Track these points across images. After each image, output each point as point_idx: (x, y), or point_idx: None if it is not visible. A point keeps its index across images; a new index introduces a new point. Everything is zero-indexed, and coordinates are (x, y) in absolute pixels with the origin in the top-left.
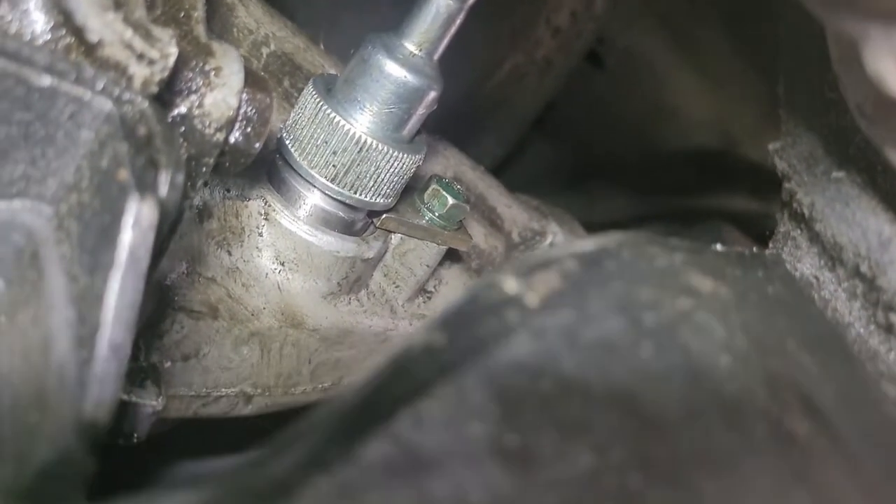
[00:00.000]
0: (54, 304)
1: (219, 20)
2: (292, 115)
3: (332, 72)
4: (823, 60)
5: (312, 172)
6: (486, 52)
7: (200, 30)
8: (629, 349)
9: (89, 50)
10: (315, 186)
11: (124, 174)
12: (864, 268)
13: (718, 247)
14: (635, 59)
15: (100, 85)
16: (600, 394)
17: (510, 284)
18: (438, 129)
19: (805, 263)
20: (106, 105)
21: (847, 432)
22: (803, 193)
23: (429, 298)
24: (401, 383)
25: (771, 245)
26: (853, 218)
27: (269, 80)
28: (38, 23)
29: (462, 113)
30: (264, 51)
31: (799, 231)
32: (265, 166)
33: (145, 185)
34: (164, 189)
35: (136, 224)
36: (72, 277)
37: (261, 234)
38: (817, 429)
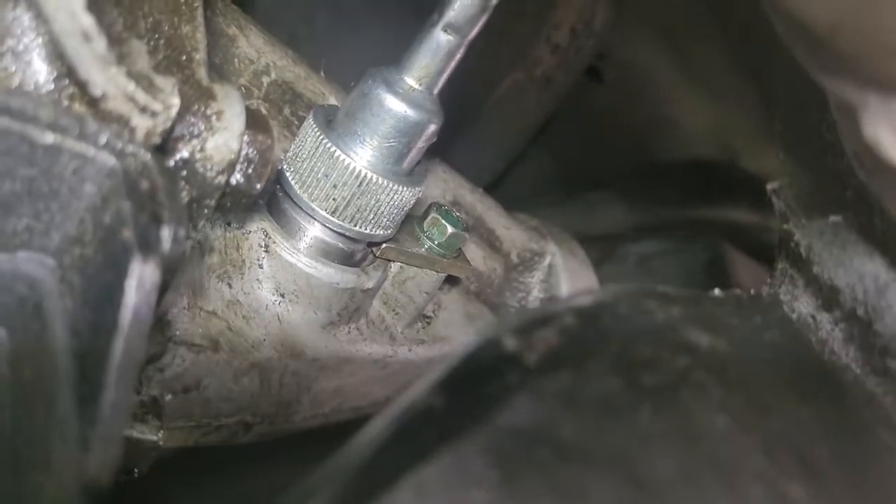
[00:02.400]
0: (58, 359)
1: (220, 51)
2: (293, 147)
3: (333, 100)
4: (822, 102)
5: (313, 205)
6: (486, 70)
7: (202, 73)
8: (627, 411)
9: (92, 102)
10: (315, 219)
11: (127, 233)
12: (860, 311)
13: (716, 292)
14: (634, 72)
15: (103, 140)
16: (598, 459)
17: (510, 342)
18: (439, 146)
19: (802, 303)
20: (109, 160)
21: (842, 493)
22: (801, 235)
23: (428, 324)
24: (402, 449)
25: (768, 282)
26: (850, 262)
27: (270, 108)
28: (42, 73)
29: (463, 129)
30: (265, 80)
31: (796, 271)
32: (265, 198)
33: (148, 245)
34: (167, 245)
35: (139, 286)
36: (74, 332)
37: (261, 267)
38: (813, 491)
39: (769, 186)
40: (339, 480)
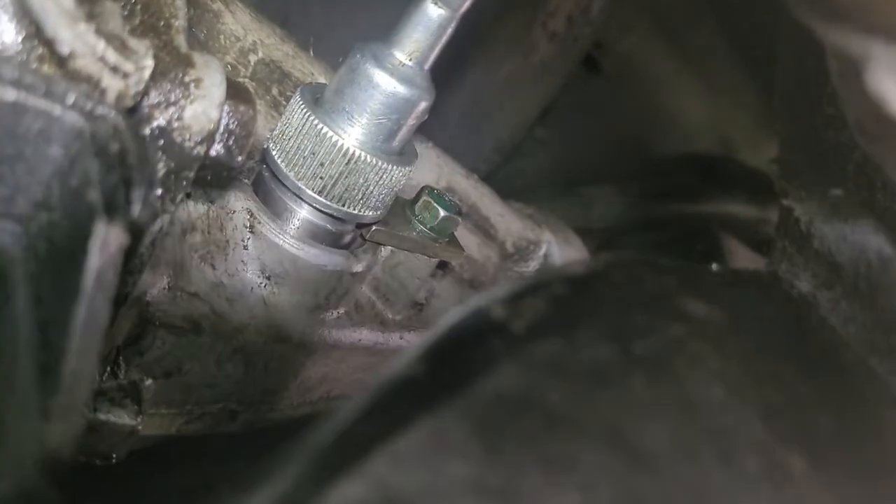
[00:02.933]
0: (19, 327)
1: (205, 27)
2: (279, 125)
3: (322, 79)
4: (821, 75)
5: (300, 184)
6: (481, 58)
7: (181, 40)
8: (619, 380)
9: (61, 62)
10: (302, 199)
11: (93, 194)
12: (863, 287)
13: (714, 266)
14: (632, 64)
15: (70, 99)
16: (588, 428)
17: (497, 310)
18: (434, 136)
19: (802, 281)
20: (77, 120)
21: (843, 466)
22: (801, 210)
23: (420, 311)
24: (378, 419)
25: (768, 260)
26: (852, 236)
27: (258, 87)
28: (8, 33)
29: (458, 118)
30: (252, 58)
31: (796, 248)
32: (251, 177)
33: (115, 207)
34: (136, 208)
35: (103, 249)
36: (38, 300)
37: (246, 248)
38: (813, 463)
39: (770, 161)
40: (313, 452)
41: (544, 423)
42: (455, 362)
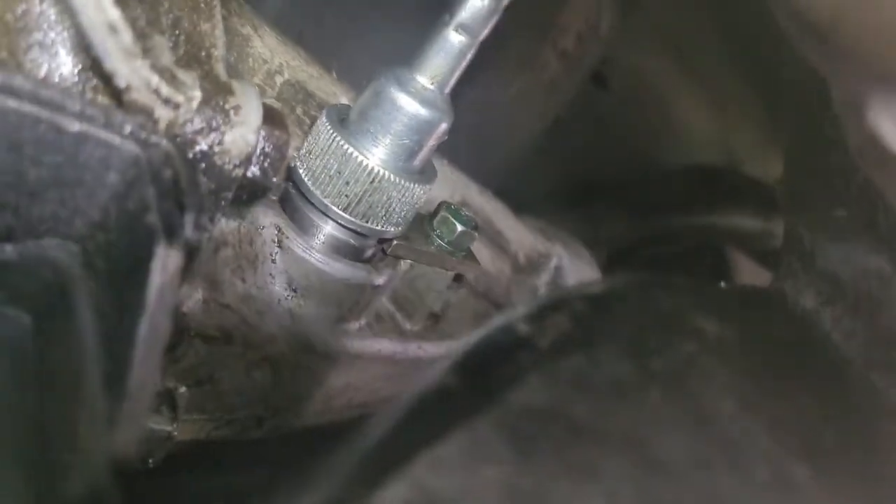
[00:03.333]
0: (84, 340)
1: (235, 50)
2: (305, 145)
3: (344, 99)
4: (825, 100)
5: (325, 202)
6: (493, 75)
7: (220, 69)
8: (638, 393)
9: (117, 94)
10: (328, 215)
11: (152, 218)
12: (864, 305)
13: (722, 284)
14: (639, 78)
15: (127, 129)
16: (610, 438)
17: (523, 327)
18: (447, 150)
19: (807, 298)
20: (133, 149)
21: (845, 475)
22: (805, 229)
23: (437, 321)
24: (418, 427)
25: (774, 276)
26: (854, 255)
27: (283, 107)
28: (67, 65)
29: (470, 134)
30: (278, 79)
31: (801, 265)
32: (278, 193)
33: (172, 230)
34: (189, 230)
35: (164, 269)
36: (100, 314)
37: (274, 262)
38: (817, 472)
39: (775, 181)
40: (356, 459)
41: (570, 432)
42: (487, 376)
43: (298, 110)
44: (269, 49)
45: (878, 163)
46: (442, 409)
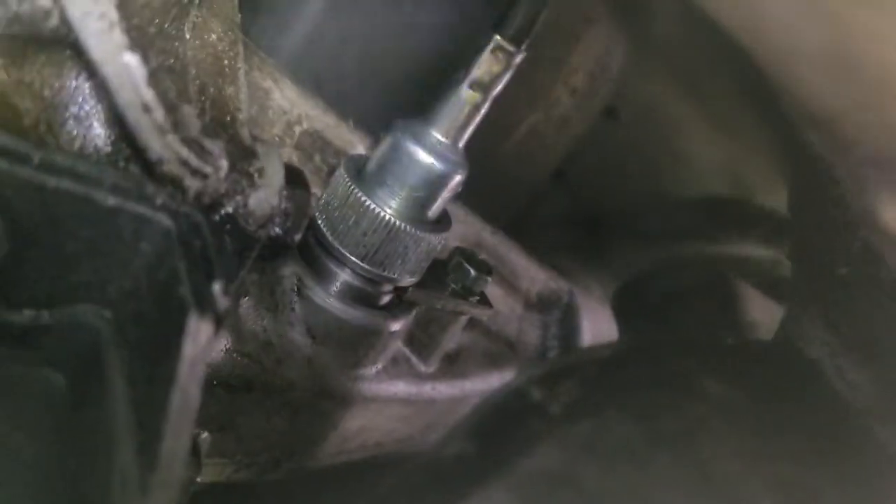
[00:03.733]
0: (116, 407)
1: (255, 103)
2: (325, 196)
3: (360, 147)
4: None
5: (344, 252)
6: (505, 113)
7: (245, 132)
8: (647, 456)
9: (149, 167)
10: (346, 264)
11: (184, 291)
12: (867, 358)
13: (730, 341)
14: (650, 111)
15: (159, 201)
16: (620, 501)
17: (535, 393)
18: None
19: (813, 349)
20: (165, 220)
21: None
22: (811, 282)
23: (450, 363)
24: (438, 493)
25: (780, 325)
26: (859, 309)
27: (301, 156)
28: (101, 137)
29: (482, 170)
30: (297, 129)
31: (807, 316)
32: (297, 243)
33: (203, 301)
34: (219, 300)
35: (195, 341)
36: (132, 382)
37: (293, 310)
38: None
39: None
40: None
41: (581, 496)
42: (500, 442)
43: (316, 159)
44: (288, 101)
45: (877, 232)
46: (458, 475)
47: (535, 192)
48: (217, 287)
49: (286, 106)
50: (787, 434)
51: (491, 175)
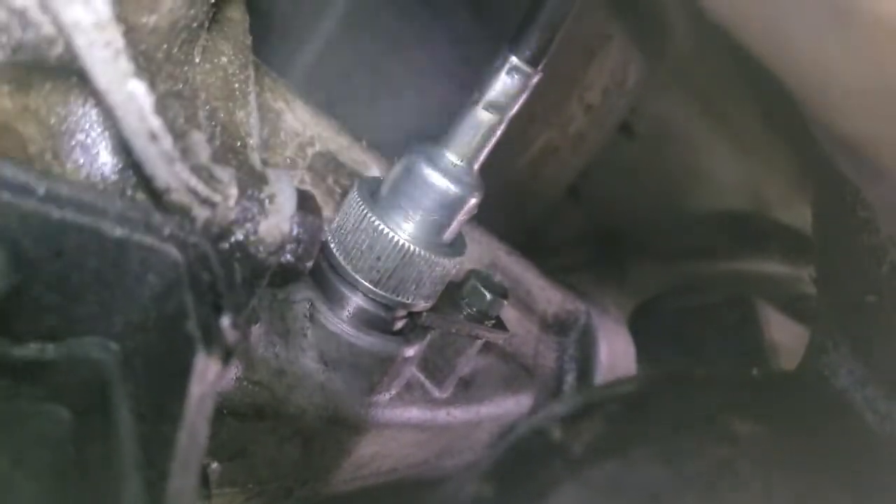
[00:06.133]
0: (123, 443)
1: (267, 125)
2: (337, 219)
3: (374, 168)
4: (854, 184)
5: (357, 276)
6: (520, 129)
7: (255, 158)
8: (672, 501)
9: (156, 195)
10: (359, 289)
11: (191, 326)
12: None
13: (755, 372)
14: (666, 126)
15: (166, 232)
16: None
17: (556, 433)
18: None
19: (840, 378)
20: (172, 252)
21: None
22: (837, 310)
23: (465, 387)
24: None
25: (806, 353)
26: (887, 339)
27: (314, 177)
28: (108, 165)
29: (497, 187)
30: (310, 151)
31: (833, 344)
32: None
33: (211, 338)
34: (227, 334)
35: (202, 378)
36: (139, 417)
37: (306, 336)
38: None
39: (808, 273)
40: None
41: None
42: (520, 483)
43: (329, 180)
44: (300, 122)
45: None
46: None
47: (550, 209)
48: (226, 321)
49: (298, 128)
50: (816, 472)
51: (505, 192)
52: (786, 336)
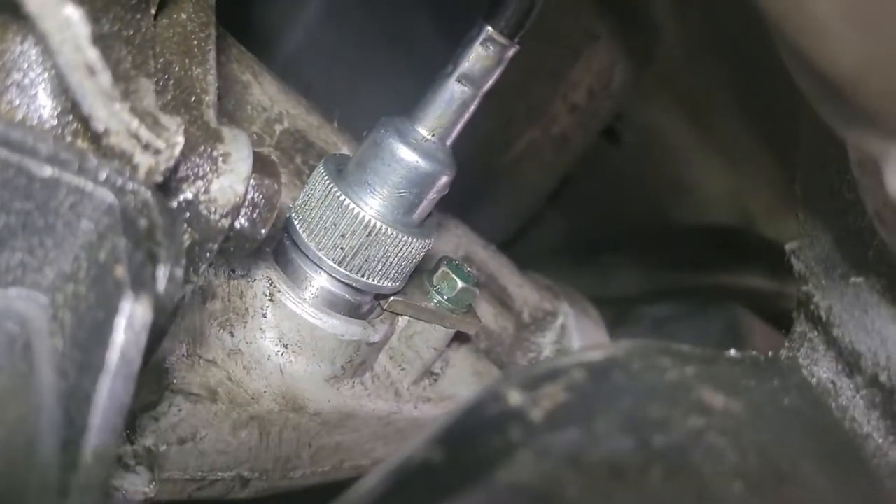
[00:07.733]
0: (43, 401)
1: (233, 97)
2: (302, 195)
3: (345, 149)
4: (842, 161)
5: (320, 254)
6: (501, 127)
7: (210, 115)
8: (638, 473)
9: (95, 138)
10: (322, 268)
11: (121, 271)
12: (883, 377)
13: (732, 352)
14: (652, 135)
15: (102, 175)
16: None
17: (515, 397)
18: (452, 203)
19: (822, 368)
20: (107, 196)
21: None
22: (820, 297)
23: (435, 381)
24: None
25: (787, 344)
26: (872, 325)
27: (282, 156)
28: (46, 108)
29: (476, 186)
30: (277, 128)
31: (815, 333)
32: (272, 245)
33: (141, 283)
34: (161, 284)
35: (128, 326)
36: (62, 373)
37: (265, 316)
38: None
39: (788, 247)
40: None
41: None
42: (474, 449)
43: (297, 160)
44: (268, 97)
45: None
46: (422, 486)
47: (531, 212)
48: (161, 271)
49: (266, 102)
50: (794, 454)
51: (485, 193)
52: (769, 344)
